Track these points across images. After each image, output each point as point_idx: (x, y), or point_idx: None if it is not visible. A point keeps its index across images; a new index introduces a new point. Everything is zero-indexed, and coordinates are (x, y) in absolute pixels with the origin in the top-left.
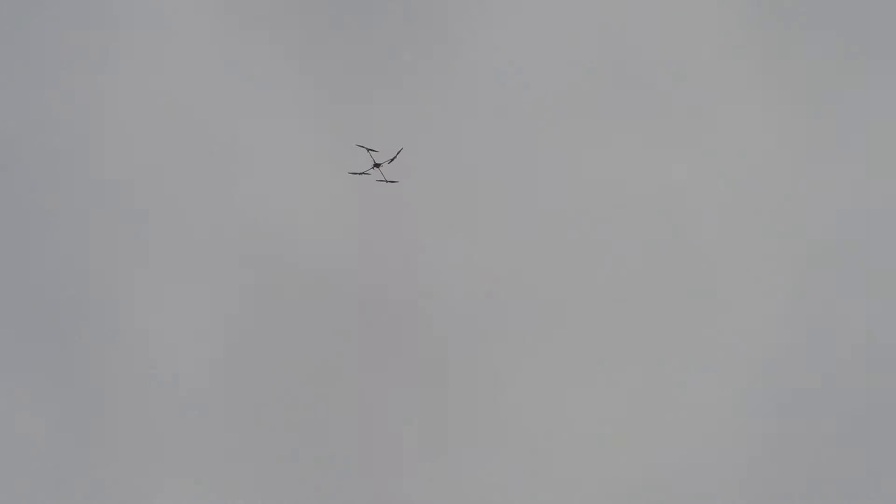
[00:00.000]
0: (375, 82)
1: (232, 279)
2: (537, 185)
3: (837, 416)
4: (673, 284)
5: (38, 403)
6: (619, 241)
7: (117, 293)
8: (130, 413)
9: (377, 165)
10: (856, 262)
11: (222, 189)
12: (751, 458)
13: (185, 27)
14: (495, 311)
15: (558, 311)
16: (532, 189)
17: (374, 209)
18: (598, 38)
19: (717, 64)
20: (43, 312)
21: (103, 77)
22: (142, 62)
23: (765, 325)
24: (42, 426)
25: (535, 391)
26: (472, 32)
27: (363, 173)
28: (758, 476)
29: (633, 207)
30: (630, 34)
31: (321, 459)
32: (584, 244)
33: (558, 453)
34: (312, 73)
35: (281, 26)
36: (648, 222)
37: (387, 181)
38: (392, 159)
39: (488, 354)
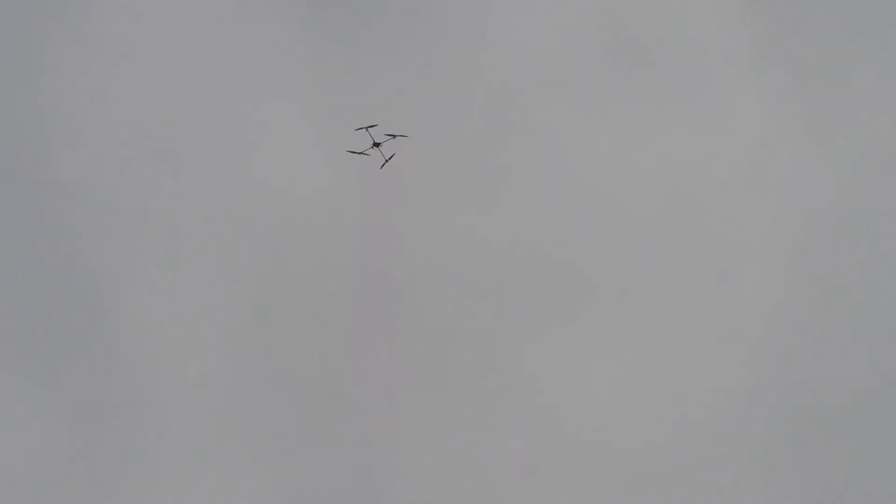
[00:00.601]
0: (377, 62)
1: (238, 262)
2: (544, 160)
3: (836, 387)
4: (678, 258)
5: (42, 398)
6: (624, 217)
7: (120, 282)
8: (134, 405)
9: (377, 145)
10: (855, 237)
11: (224, 174)
12: (753, 427)
13: (181, 13)
14: (507, 285)
15: (568, 284)
16: (538, 164)
17: (379, 184)
18: (602, 17)
19: (719, 43)
20: (46, 305)
21: (103, 64)
22: (139, 51)
23: (767, 299)
24: (47, 421)
25: (548, 362)
26: (474, 12)
27: (362, 153)
28: (759, 445)
29: (638, 183)
30: (633, 12)
31: (338, 429)
32: (591, 219)
33: (570, 421)
34: (314, 54)
35: (278, 9)
36: (653, 197)
37: (386, 161)
38: (393, 137)
39: (501, 326)
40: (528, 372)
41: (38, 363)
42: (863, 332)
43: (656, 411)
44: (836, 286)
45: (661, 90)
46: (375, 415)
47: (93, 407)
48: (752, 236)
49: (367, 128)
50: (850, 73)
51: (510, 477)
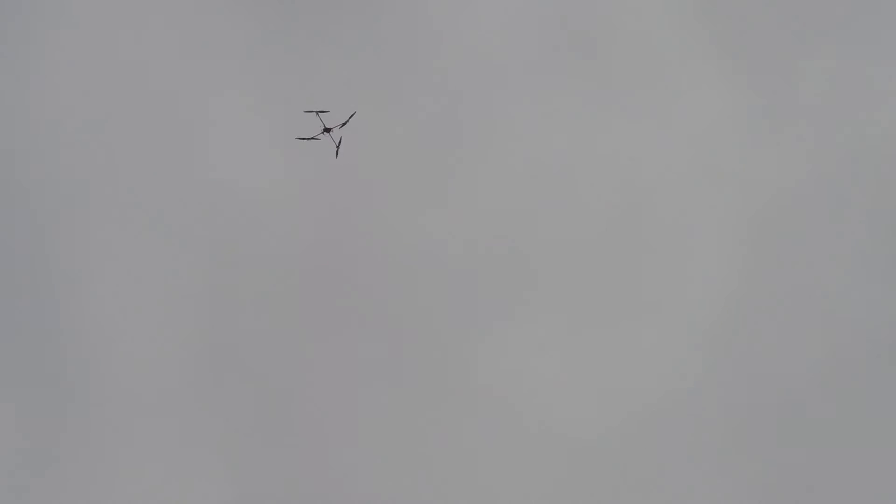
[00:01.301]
0: (328, 54)
1: (190, 253)
2: (492, 154)
3: (788, 378)
4: (629, 250)
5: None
6: (581, 207)
7: (71, 273)
8: (84, 396)
9: (327, 130)
10: (805, 229)
11: (174, 165)
12: (706, 418)
13: (133, 2)
14: (459, 279)
15: (524, 274)
16: (487, 159)
17: (331, 177)
18: (550, 10)
19: (668, 35)
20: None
21: (53, 55)
22: (89, 41)
23: (718, 290)
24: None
25: (506, 352)
26: (424, 4)
27: (312, 138)
28: (711, 435)
29: (588, 176)
30: (582, 5)
31: (296, 427)
32: (542, 213)
33: (528, 412)
34: (265, 45)
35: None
36: (603, 190)
37: (337, 147)
38: (344, 123)
39: (459, 318)
40: (480, 366)
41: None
42: (814, 324)
43: (609, 403)
44: (786, 278)
45: (611, 83)
46: (330, 411)
47: (42, 399)
48: (702, 228)
49: (317, 112)
50: (799, 66)
51: (465, 470)
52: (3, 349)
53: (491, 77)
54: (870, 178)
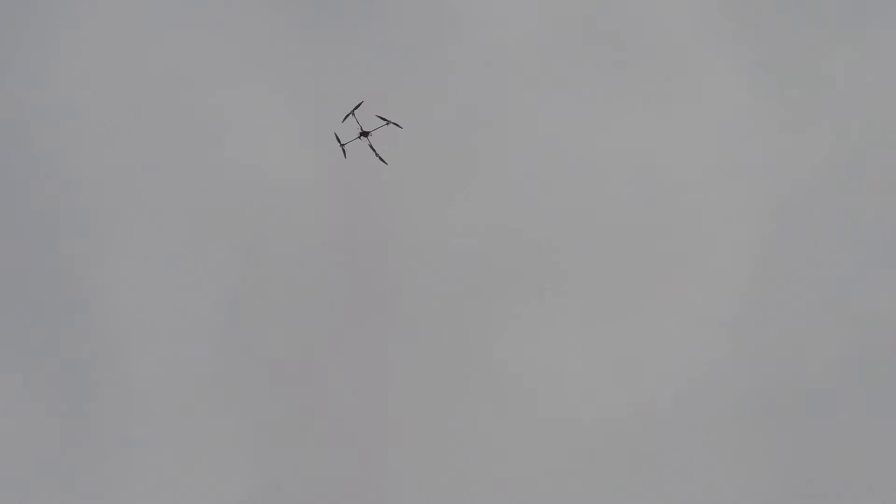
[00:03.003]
0: (350, 49)
1: (215, 248)
2: (515, 146)
3: (804, 364)
4: (650, 240)
5: (25, 388)
6: (604, 196)
7: (97, 270)
8: (113, 390)
9: (364, 134)
10: (826, 220)
11: (200, 160)
12: (723, 403)
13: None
14: (480, 269)
15: (547, 262)
16: (510, 150)
17: (354, 171)
18: (575, 3)
19: (693, 28)
20: (24, 295)
21: (76, 52)
22: (111, 38)
23: (737, 279)
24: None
25: (520, 343)
26: None
27: (343, 144)
28: (728, 421)
29: (610, 167)
30: None
31: (322, 415)
32: (563, 203)
33: (553, 397)
34: (289, 40)
35: None
36: (625, 181)
37: (379, 157)
38: (386, 122)
39: (474, 309)
40: (501, 353)
41: (19, 354)
42: (831, 311)
43: (627, 390)
44: (805, 267)
45: (634, 76)
46: (352, 399)
47: (73, 393)
48: (723, 218)
49: (352, 111)
50: (823, 61)
51: (485, 455)
52: (36, 336)
53: (515, 70)
54: (890, 171)
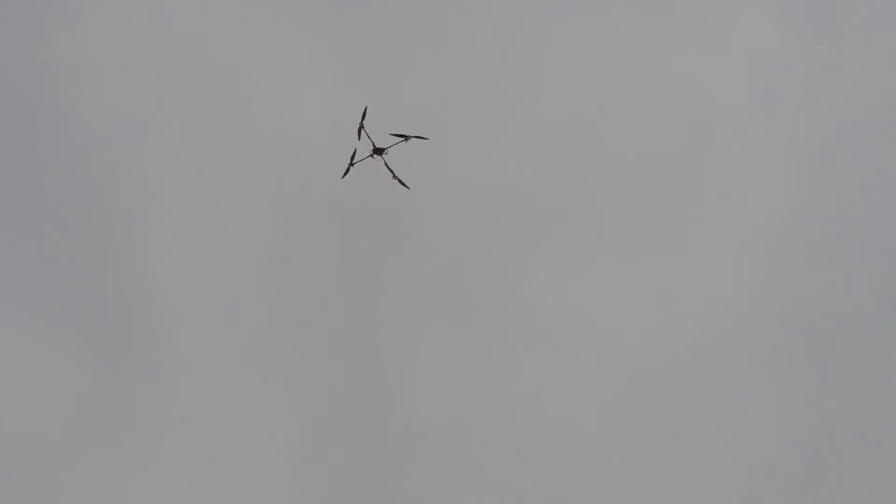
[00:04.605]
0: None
1: (253, 197)
2: (554, 84)
3: (839, 298)
4: (687, 176)
5: (76, 341)
6: (634, 137)
7: (139, 222)
8: (157, 340)
9: (379, 151)
10: (861, 153)
11: (234, 112)
12: (761, 338)
13: None
14: (520, 207)
15: (578, 204)
16: (548, 88)
17: (398, 113)
18: None
19: None
20: (70, 248)
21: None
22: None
23: (773, 213)
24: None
25: (560, 280)
26: None
27: (352, 163)
28: (766, 355)
29: (647, 103)
30: None
31: (362, 359)
32: (601, 141)
33: (589, 337)
34: None
35: None
36: (662, 117)
37: (399, 181)
38: (405, 138)
39: (514, 248)
40: (541, 290)
41: (68, 310)
42: (865, 246)
43: (666, 325)
44: (839, 201)
45: (672, 11)
46: (394, 339)
47: (116, 343)
48: (758, 153)
49: (360, 124)
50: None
51: (526, 394)
52: (78, 293)
53: (550, 7)
54: None
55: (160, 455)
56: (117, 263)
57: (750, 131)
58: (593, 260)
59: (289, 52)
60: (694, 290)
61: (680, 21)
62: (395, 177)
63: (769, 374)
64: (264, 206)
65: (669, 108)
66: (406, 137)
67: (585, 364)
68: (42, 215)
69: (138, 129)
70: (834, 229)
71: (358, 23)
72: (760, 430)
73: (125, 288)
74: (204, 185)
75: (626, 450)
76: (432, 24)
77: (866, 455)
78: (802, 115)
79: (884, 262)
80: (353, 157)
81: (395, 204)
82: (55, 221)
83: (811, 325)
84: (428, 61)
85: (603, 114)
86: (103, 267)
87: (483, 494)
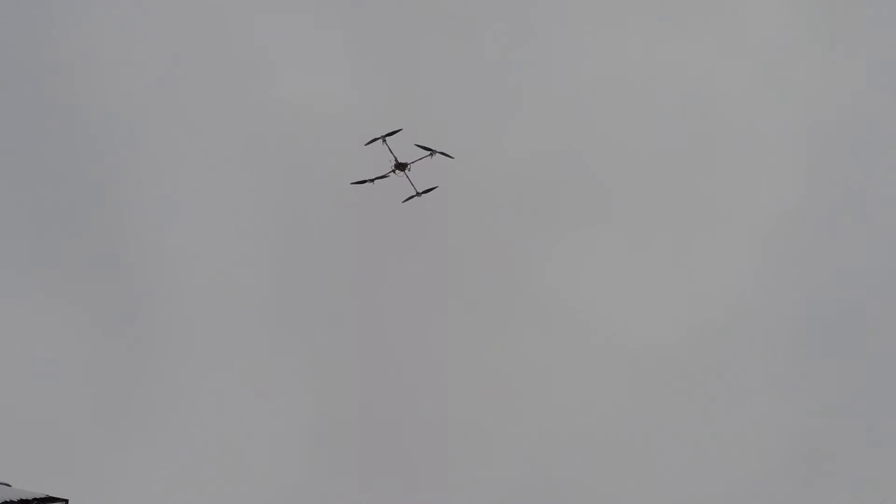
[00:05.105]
0: None
1: (264, 174)
2: (562, 70)
3: (850, 285)
4: (696, 163)
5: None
6: (643, 123)
7: (152, 197)
8: (164, 311)
9: (402, 167)
10: (871, 139)
11: (248, 89)
12: (769, 325)
13: None
14: (528, 194)
15: (586, 191)
16: (557, 75)
17: (410, 96)
18: None
19: None
20: (83, 219)
21: None
22: None
23: (783, 200)
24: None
25: (567, 267)
26: None
27: (371, 180)
28: (775, 342)
29: (656, 89)
30: None
31: (371, 341)
32: (610, 127)
33: (599, 322)
34: None
35: None
36: (671, 103)
37: (419, 192)
38: (431, 153)
39: (522, 234)
40: (548, 277)
41: (78, 281)
42: (875, 232)
43: (673, 313)
44: (849, 187)
45: (687, 3)
46: (404, 324)
47: (122, 314)
48: (769, 140)
49: (384, 137)
50: None
51: (531, 380)
52: (92, 271)
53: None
54: None
55: (173, 439)
56: (128, 247)
57: (760, 116)
58: (604, 249)
59: (305, 30)
60: (701, 277)
61: (696, 12)
62: (417, 193)
63: (777, 361)
64: (278, 193)
65: (680, 91)
66: (432, 152)
67: (594, 353)
68: (59, 202)
69: (156, 106)
70: (844, 211)
71: (371, 14)
72: (774, 418)
73: (135, 270)
74: (216, 161)
75: (628, 442)
76: (448, 14)
77: (866, 454)
78: (814, 100)
79: (890, 257)
80: (373, 178)
81: (406, 194)
82: (69, 210)
83: (823, 311)
84: (439, 49)
85: (610, 100)
86: (118, 251)
87: (491, 477)
